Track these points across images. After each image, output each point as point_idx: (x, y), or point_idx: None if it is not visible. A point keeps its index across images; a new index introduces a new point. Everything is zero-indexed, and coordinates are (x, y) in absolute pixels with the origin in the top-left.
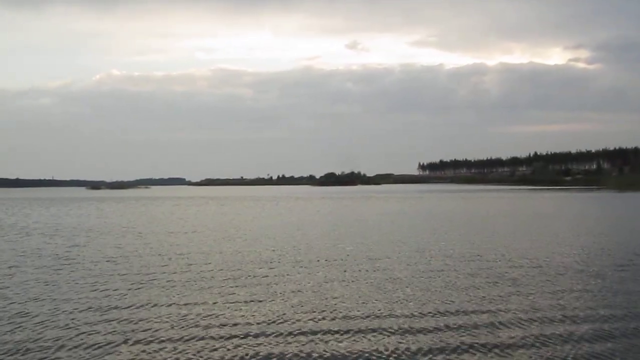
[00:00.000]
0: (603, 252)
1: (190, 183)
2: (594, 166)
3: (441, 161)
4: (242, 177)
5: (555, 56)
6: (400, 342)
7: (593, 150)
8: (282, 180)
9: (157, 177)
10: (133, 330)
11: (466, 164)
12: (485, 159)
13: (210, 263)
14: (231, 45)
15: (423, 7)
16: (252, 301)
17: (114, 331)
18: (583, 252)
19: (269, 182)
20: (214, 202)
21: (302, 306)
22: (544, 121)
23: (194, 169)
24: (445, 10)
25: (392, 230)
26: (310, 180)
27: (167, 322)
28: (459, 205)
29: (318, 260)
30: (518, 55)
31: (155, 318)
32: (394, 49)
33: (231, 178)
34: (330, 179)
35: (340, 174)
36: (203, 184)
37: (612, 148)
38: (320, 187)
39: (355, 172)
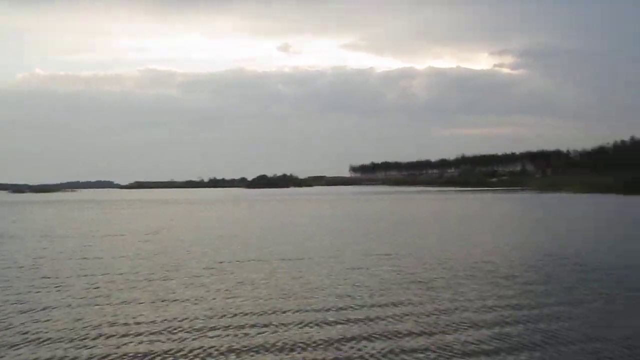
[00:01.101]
0: (516, 253)
1: (119, 186)
2: (519, 168)
3: (372, 163)
4: (172, 179)
5: (481, 61)
6: (298, 337)
7: (517, 153)
8: (214, 183)
9: (84, 180)
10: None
11: (397, 166)
12: (415, 161)
13: (120, 267)
14: (162, 46)
15: (355, 11)
16: (153, 302)
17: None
18: (498, 253)
19: (200, 184)
20: (140, 205)
21: (200, 306)
22: (472, 124)
23: (123, 171)
24: (377, 14)
25: (313, 232)
26: (242, 183)
27: (61, 325)
28: (387, 207)
29: (229, 262)
30: (446, 60)
31: (47, 321)
32: (326, 52)
33: (161, 181)
34: (263, 181)
35: (272, 176)
36: (132, 187)
37: (535, 151)
38: (252, 189)
39: (288, 174)
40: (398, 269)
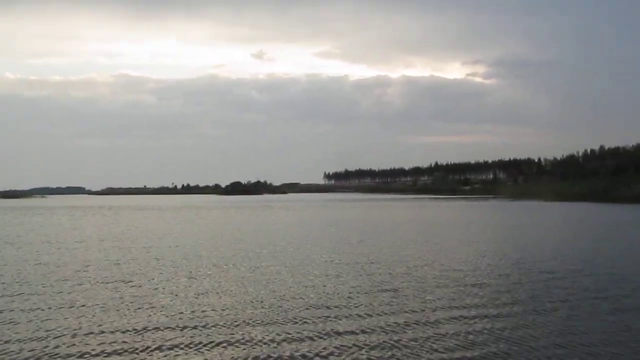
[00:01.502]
0: (485, 260)
1: (90, 192)
2: (491, 176)
3: (346, 171)
4: (145, 186)
5: (454, 71)
6: (260, 343)
7: (490, 161)
8: (187, 190)
9: (54, 186)
10: None
11: (370, 173)
12: (388, 168)
13: (83, 271)
14: (135, 51)
15: (329, 19)
16: (94, 306)
17: None
18: (467, 261)
19: (173, 191)
20: (110, 212)
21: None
22: (445, 133)
23: (95, 177)
24: (351, 23)
25: (281, 239)
26: (216, 190)
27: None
28: (359, 214)
29: (190, 271)
30: (420, 69)
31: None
32: (300, 60)
33: (134, 187)
34: (236, 188)
35: (246, 183)
36: (104, 193)
37: (507, 159)
38: (226, 196)
39: (262, 181)
40: (367, 276)
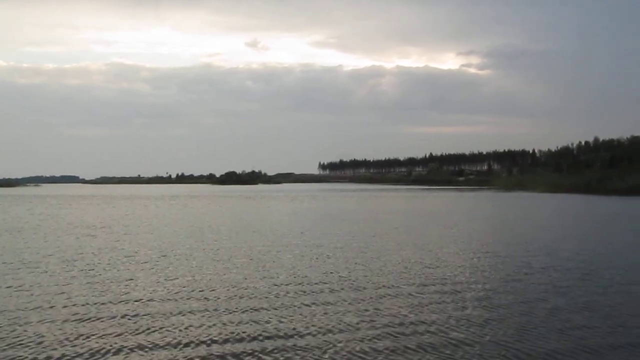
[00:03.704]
0: (465, 254)
1: (84, 181)
2: (485, 167)
3: (341, 161)
4: (139, 175)
5: (449, 61)
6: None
7: (485, 152)
8: (182, 179)
9: (48, 175)
10: None
11: (365, 164)
12: (383, 159)
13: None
14: (129, 40)
15: (324, 8)
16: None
17: None
18: (448, 254)
19: (167, 180)
20: (98, 200)
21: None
22: (440, 123)
23: (89, 166)
24: (345, 12)
25: (272, 228)
26: (211, 179)
27: None
28: (352, 204)
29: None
30: (414, 60)
31: None
32: (295, 49)
33: (128, 176)
34: (231, 178)
35: (241, 172)
36: (98, 182)
37: (502, 150)
38: (221, 186)
39: (257, 171)
40: (338, 268)
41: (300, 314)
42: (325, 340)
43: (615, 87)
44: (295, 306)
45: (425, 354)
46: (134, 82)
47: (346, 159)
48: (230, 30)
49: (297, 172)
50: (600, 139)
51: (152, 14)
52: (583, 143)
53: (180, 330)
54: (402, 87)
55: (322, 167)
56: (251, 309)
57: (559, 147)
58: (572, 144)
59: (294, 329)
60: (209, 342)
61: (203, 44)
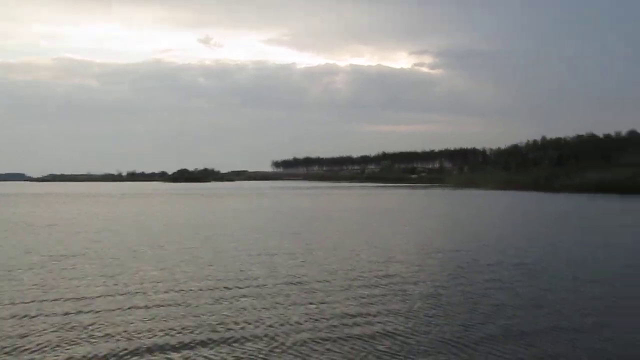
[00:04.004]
0: (409, 251)
1: (31, 179)
2: (437, 165)
3: (295, 158)
4: (89, 173)
5: (401, 60)
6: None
7: (437, 150)
8: (133, 177)
9: None
10: None
11: (319, 161)
12: (337, 157)
13: None
14: (78, 35)
15: (277, 6)
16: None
17: None
18: (396, 255)
19: (118, 178)
20: (44, 200)
21: None
22: (393, 121)
23: (36, 163)
24: (299, 10)
25: (208, 229)
26: (162, 177)
27: None
28: (304, 202)
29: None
30: (367, 58)
31: None
32: (248, 46)
33: (77, 174)
34: (183, 176)
35: (193, 170)
36: (46, 179)
37: (453, 148)
38: (172, 183)
39: (209, 168)
40: (282, 268)
41: (244, 310)
42: (267, 335)
43: (562, 87)
44: (236, 302)
45: (370, 350)
46: (84, 78)
47: (300, 156)
48: (182, 27)
49: (250, 170)
50: (548, 138)
51: (101, 9)
52: (531, 142)
53: (117, 326)
54: (355, 85)
55: (276, 164)
56: (192, 305)
57: (508, 146)
58: (521, 143)
59: (236, 323)
60: (148, 336)
61: (154, 40)
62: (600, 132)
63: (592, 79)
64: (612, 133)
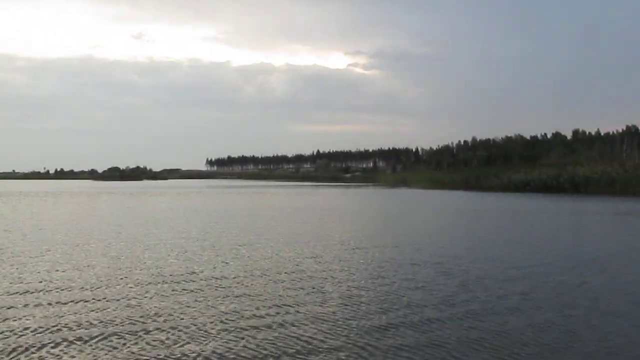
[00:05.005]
0: (334, 250)
1: None
2: (371, 164)
3: (229, 157)
4: (14, 170)
5: (336, 60)
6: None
7: (370, 150)
8: (61, 175)
9: None
10: None
11: (253, 160)
12: (271, 155)
13: None
14: (2, 26)
15: (213, 3)
16: None
17: None
18: (317, 254)
19: (45, 176)
20: None
21: None
22: (327, 121)
23: None
24: (235, 8)
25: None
26: (92, 175)
27: None
28: (237, 201)
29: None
30: (303, 57)
31: None
32: (182, 43)
33: (1, 171)
34: (114, 174)
35: (125, 168)
36: None
37: (386, 148)
38: (102, 182)
39: (142, 166)
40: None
41: (158, 306)
42: (172, 336)
43: (492, 89)
44: (150, 298)
45: (279, 354)
46: (8, 72)
47: (234, 155)
48: (114, 21)
49: (184, 168)
50: (478, 139)
51: None
52: (462, 142)
53: (49, 318)
54: (290, 84)
55: (210, 163)
56: (114, 299)
57: (440, 146)
58: (452, 143)
59: (143, 316)
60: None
61: (85, 34)
62: (527, 134)
63: (524, 80)
64: (539, 135)
